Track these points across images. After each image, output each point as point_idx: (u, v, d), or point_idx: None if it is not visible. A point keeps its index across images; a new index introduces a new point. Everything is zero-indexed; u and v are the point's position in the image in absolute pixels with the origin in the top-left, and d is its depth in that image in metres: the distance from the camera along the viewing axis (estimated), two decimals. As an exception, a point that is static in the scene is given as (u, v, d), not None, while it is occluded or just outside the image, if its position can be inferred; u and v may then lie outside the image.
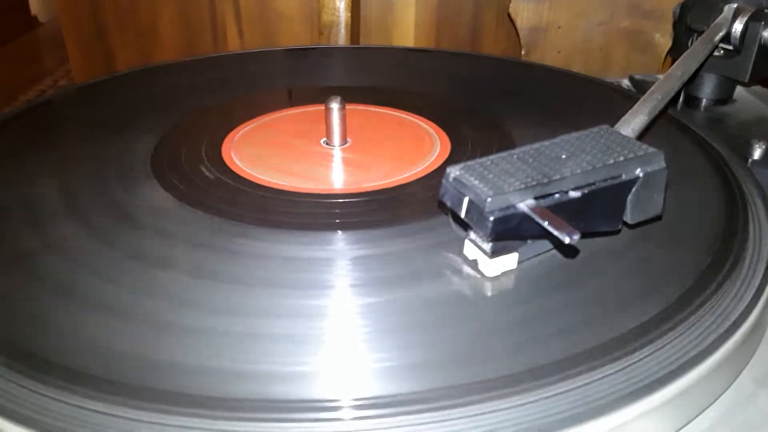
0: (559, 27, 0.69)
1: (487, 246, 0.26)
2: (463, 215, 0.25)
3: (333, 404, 0.21)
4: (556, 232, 0.23)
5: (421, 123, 0.42)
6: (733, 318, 0.26)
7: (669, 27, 0.56)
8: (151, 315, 0.25)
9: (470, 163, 0.26)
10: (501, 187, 0.24)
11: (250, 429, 0.20)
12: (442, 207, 0.28)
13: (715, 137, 0.41)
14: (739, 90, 0.52)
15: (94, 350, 0.23)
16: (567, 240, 0.22)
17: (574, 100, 0.47)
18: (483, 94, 0.48)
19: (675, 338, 0.24)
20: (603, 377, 0.22)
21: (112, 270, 0.28)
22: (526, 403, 0.21)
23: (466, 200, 0.25)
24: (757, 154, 0.43)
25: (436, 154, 0.38)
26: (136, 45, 0.74)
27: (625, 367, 0.23)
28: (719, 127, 0.47)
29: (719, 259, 0.28)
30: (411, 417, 0.21)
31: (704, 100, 0.50)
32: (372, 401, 0.21)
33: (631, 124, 0.32)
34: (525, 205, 0.24)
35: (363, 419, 0.21)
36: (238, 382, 0.22)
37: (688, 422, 0.24)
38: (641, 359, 0.23)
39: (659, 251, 0.29)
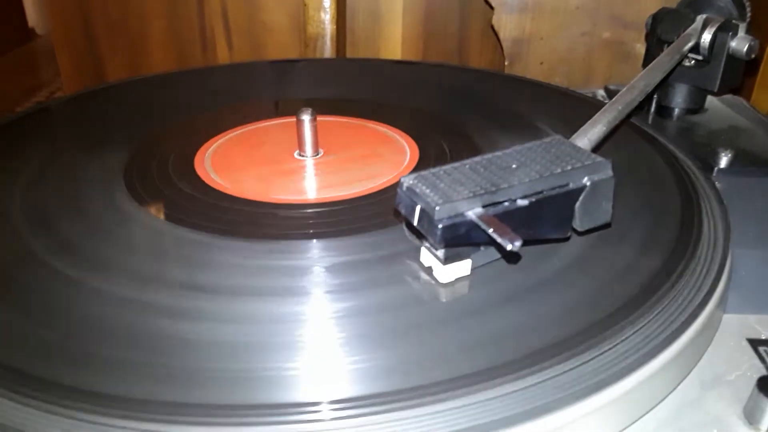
0: (542, 38, 0.70)
1: (441, 253, 0.27)
2: (415, 223, 0.26)
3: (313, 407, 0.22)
4: (499, 239, 0.24)
5: (394, 135, 0.44)
6: (679, 321, 0.26)
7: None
8: (131, 324, 0.26)
9: (423, 172, 0.27)
10: (450, 195, 0.25)
11: None
12: (397, 215, 0.29)
13: (679, 146, 0.42)
14: (711, 99, 0.53)
15: (65, 359, 0.24)
16: (509, 247, 0.23)
17: (550, 111, 0.48)
18: (458, 106, 0.49)
19: (621, 340, 0.25)
20: (548, 379, 0.23)
21: (84, 281, 0.28)
22: (474, 403, 0.22)
23: (418, 209, 0.26)
24: (723, 162, 0.44)
25: (404, 166, 0.39)
26: (127, 56, 0.76)
27: (572, 369, 0.23)
28: (689, 136, 0.48)
29: (670, 263, 0.29)
30: (376, 417, 0.21)
31: (676, 110, 0.51)
32: (347, 402, 0.22)
33: (588, 134, 0.33)
34: (473, 213, 0.25)
35: (339, 419, 0.21)
36: (219, 388, 0.23)
37: (633, 423, 0.25)
38: (587, 361, 0.24)
39: (611, 255, 0.30)
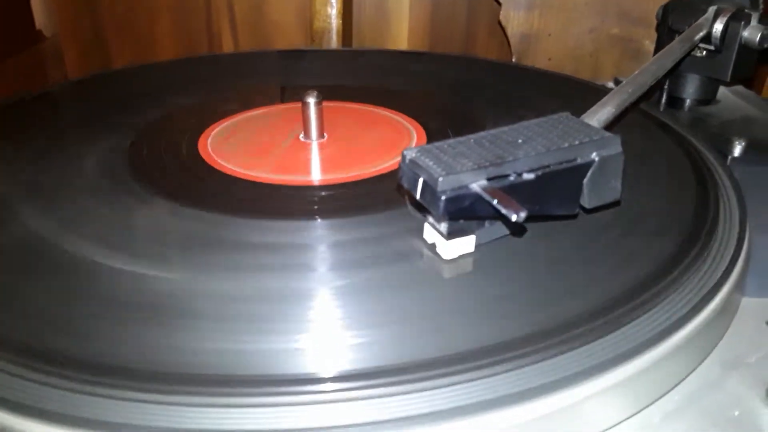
0: (550, 34, 0.69)
1: (443, 227, 0.26)
2: (418, 196, 0.25)
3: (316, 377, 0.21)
4: (504, 210, 0.23)
5: (400, 119, 0.43)
6: (696, 301, 0.25)
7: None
8: (144, 304, 0.25)
9: (427, 146, 0.26)
10: (454, 167, 0.25)
11: (241, 403, 0.20)
12: (400, 190, 0.28)
13: (693, 133, 0.41)
14: (722, 90, 0.52)
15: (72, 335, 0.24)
16: (514, 217, 0.23)
17: (559, 100, 0.47)
18: (466, 94, 0.48)
19: (636, 317, 0.24)
20: (561, 353, 0.22)
21: (94, 261, 0.28)
22: (480, 378, 0.21)
23: (420, 181, 0.25)
24: (737, 151, 0.43)
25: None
26: (134, 53, 0.76)
27: (585, 344, 0.23)
28: (702, 127, 0.47)
29: (687, 244, 0.29)
30: (379, 390, 0.21)
31: (687, 101, 0.50)
32: (349, 374, 0.21)
33: (597, 114, 0.32)
34: (477, 185, 0.25)
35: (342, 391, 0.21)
36: (228, 360, 0.22)
37: (651, 403, 0.24)
38: (601, 336, 0.23)
39: (628, 236, 0.29)
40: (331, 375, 0.22)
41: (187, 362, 0.22)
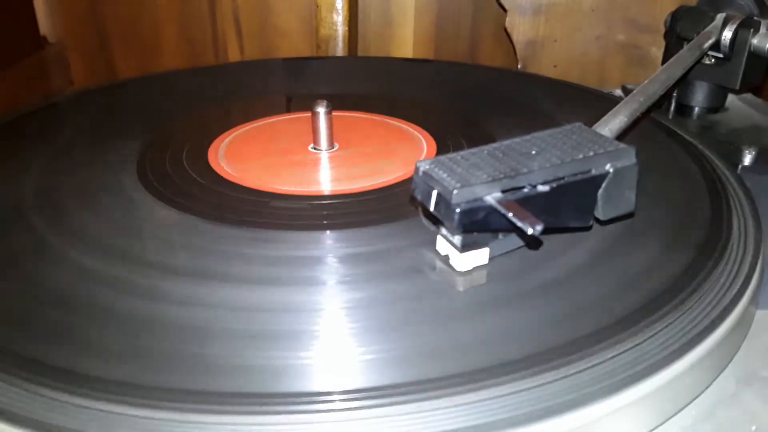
0: (556, 41, 0.69)
1: (457, 240, 0.26)
2: (432, 208, 0.25)
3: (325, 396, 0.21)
4: (519, 223, 0.23)
5: (411, 130, 0.43)
6: (713, 316, 0.25)
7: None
8: (148, 313, 0.25)
9: (440, 157, 0.26)
10: (468, 179, 0.24)
11: (245, 422, 0.20)
12: (413, 202, 0.28)
13: (703, 142, 0.41)
14: (731, 98, 0.52)
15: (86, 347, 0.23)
16: (530, 231, 0.22)
17: (568, 108, 0.47)
18: (475, 102, 0.48)
19: (653, 334, 0.24)
20: (577, 372, 0.22)
21: (101, 270, 0.28)
22: (498, 396, 0.21)
23: (434, 193, 0.25)
24: (747, 159, 0.43)
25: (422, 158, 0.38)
26: (139, 60, 0.76)
27: (602, 362, 0.22)
28: (711, 135, 0.47)
29: (701, 257, 0.28)
30: (392, 408, 0.20)
31: (696, 109, 0.50)
32: (360, 393, 0.21)
33: (609, 124, 0.32)
34: (492, 197, 0.24)
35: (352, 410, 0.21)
36: (232, 377, 0.22)
37: (667, 420, 0.24)
38: (618, 354, 0.23)
39: (640, 250, 0.29)
40: (340, 390, 0.21)
41: (193, 377, 0.22)
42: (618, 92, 0.56)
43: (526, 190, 0.25)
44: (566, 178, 0.26)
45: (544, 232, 0.23)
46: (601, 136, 0.28)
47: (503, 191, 0.25)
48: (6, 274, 0.28)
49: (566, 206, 0.26)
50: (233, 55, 0.75)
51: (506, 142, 0.27)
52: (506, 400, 0.21)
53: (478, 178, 0.25)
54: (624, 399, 0.22)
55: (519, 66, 0.70)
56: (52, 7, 0.76)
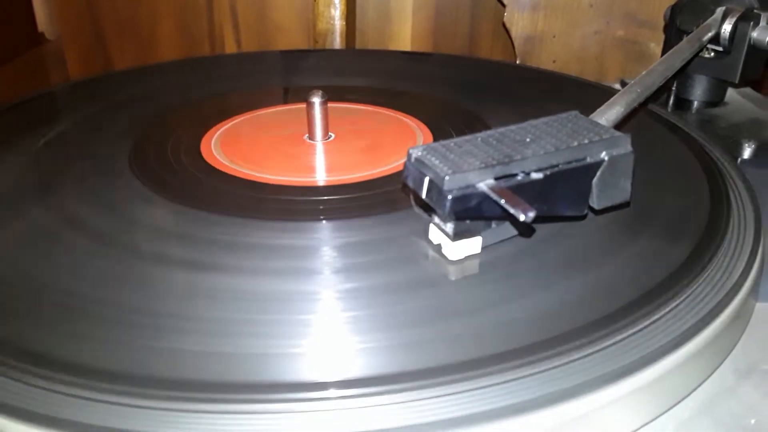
0: (554, 36, 0.69)
1: (449, 228, 0.26)
2: (423, 195, 0.25)
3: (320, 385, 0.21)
4: (511, 210, 0.22)
5: (406, 120, 0.42)
6: (710, 307, 0.25)
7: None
8: (143, 307, 0.25)
9: (433, 144, 0.26)
10: (461, 166, 0.24)
11: (242, 410, 0.20)
12: (405, 189, 0.27)
13: (702, 134, 0.40)
14: (731, 93, 0.51)
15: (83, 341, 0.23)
16: (522, 217, 0.22)
17: (565, 100, 0.46)
18: (471, 95, 0.48)
19: (650, 323, 0.23)
20: (572, 361, 0.21)
21: (98, 263, 0.27)
22: (489, 386, 0.20)
23: (426, 180, 0.25)
24: (746, 153, 0.42)
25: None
26: (136, 56, 0.75)
27: (598, 351, 0.22)
28: (710, 129, 0.46)
29: (700, 248, 0.28)
30: (384, 397, 0.20)
31: (695, 103, 0.50)
32: (355, 382, 0.21)
33: (606, 114, 0.32)
34: (484, 184, 0.24)
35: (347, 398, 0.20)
36: (229, 366, 0.21)
37: (664, 411, 0.23)
38: (614, 343, 0.22)
39: (639, 239, 0.28)
40: (334, 380, 0.21)
41: (185, 366, 0.21)
42: (617, 87, 0.56)
43: (519, 177, 0.25)
44: (560, 166, 0.25)
45: (538, 220, 0.23)
46: (597, 124, 0.27)
47: (496, 178, 0.24)
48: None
49: (560, 194, 0.26)
50: (230, 50, 0.75)
51: (501, 130, 0.27)
52: (500, 389, 0.20)
53: (470, 165, 0.24)
54: (621, 390, 0.21)
55: (518, 61, 0.70)
56: (50, 3, 0.76)
